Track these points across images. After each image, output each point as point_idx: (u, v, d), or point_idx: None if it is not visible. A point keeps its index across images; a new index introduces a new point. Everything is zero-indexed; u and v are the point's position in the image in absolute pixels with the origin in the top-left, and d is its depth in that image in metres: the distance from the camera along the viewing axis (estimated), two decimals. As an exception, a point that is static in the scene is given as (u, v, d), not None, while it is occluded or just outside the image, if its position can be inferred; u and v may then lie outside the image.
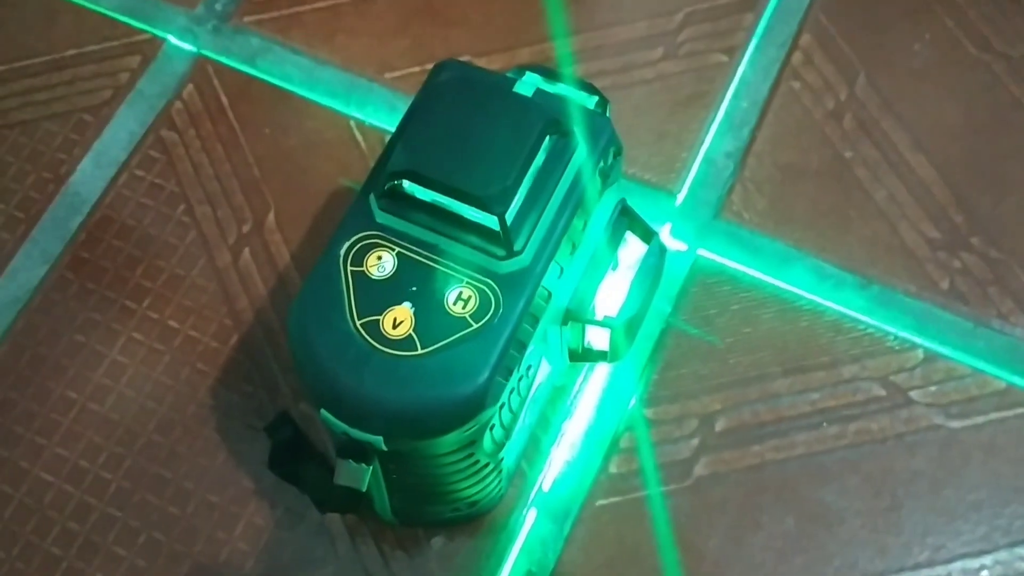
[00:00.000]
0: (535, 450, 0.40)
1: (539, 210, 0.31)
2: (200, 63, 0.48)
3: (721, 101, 0.46)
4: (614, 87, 0.46)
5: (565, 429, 0.40)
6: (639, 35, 0.47)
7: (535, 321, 0.31)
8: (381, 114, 0.47)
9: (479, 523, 0.39)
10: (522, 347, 0.31)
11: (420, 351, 0.30)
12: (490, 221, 0.30)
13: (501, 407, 0.32)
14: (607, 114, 0.35)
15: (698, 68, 0.47)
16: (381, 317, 0.30)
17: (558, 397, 0.40)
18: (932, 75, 0.45)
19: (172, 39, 0.49)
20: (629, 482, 0.39)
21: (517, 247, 0.30)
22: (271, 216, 0.45)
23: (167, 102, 0.47)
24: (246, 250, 0.44)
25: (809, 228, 0.43)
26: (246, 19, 0.49)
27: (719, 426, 0.40)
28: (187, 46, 0.49)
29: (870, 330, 0.41)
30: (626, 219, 0.35)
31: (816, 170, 0.44)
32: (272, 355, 0.42)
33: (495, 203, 0.30)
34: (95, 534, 0.39)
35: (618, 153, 0.34)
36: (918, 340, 0.41)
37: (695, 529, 0.38)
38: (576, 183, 0.32)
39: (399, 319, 0.30)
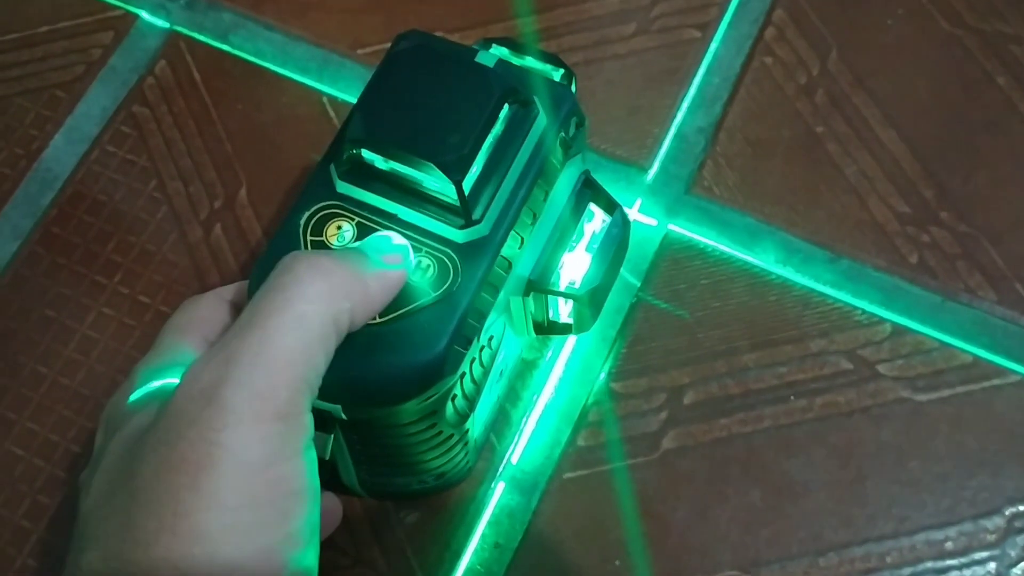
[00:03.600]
0: (504, 423, 0.40)
1: (498, 179, 0.31)
2: (173, 39, 0.48)
3: (693, 77, 0.46)
4: (587, 62, 0.46)
5: (535, 403, 0.40)
6: (612, 10, 0.47)
7: (494, 291, 0.31)
8: (353, 90, 0.47)
9: (447, 495, 0.39)
10: (481, 316, 0.31)
11: (378, 320, 0.30)
12: (448, 189, 0.30)
13: (462, 377, 0.32)
14: (572, 86, 0.35)
15: (671, 44, 0.46)
16: (340, 286, 0.30)
17: (527, 371, 0.41)
18: (904, 50, 0.45)
19: (145, 15, 0.49)
20: (597, 455, 0.39)
21: (476, 216, 0.30)
22: (243, 192, 0.45)
23: (139, 78, 0.47)
24: (217, 226, 0.44)
25: (779, 203, 0.43)
26: (219, -5, 0.49)
27: (687, 399, 0.40)
28: (160, 22, 0.49)
29: (838, 304, 0.41)
30: (589, 191, 0.35)
31: (787, 145, 0.44)
32: (242, 330, 0.42)
33: (452, 171, 0.29)
34: (66, 508, 0.39)
35: (580, 124, 0.34)
36: (886, 314, 0.41)
37: (662, 501, 0.38)
38: (537, 153, 0.32)
39: (358, 288, 0.30)
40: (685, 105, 0.45)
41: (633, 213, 0.43)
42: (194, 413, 0.25)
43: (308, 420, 0.27)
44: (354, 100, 0.46)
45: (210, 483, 0.24)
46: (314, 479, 0.27)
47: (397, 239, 0.30)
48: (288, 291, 0.27)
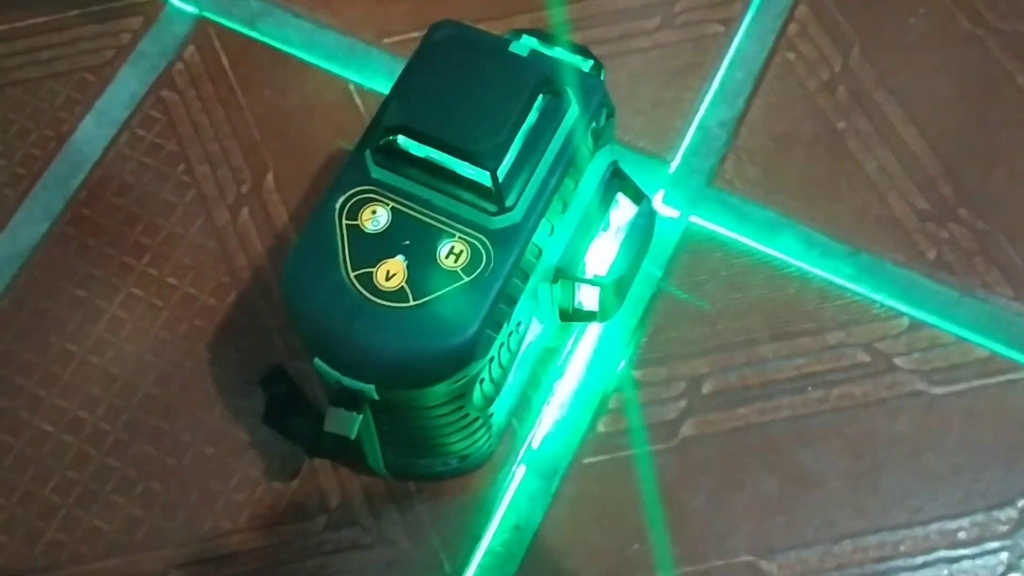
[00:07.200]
0: (526, 408, 0.41)
1: (531, 167, 0.31)
2: (201, 24, 0.49)
3: (716, 71, 0.46)
4: (611, 55, 0.47)
5: (556, 389, 0.41)
6: (637, 4, 0.48)
7: (525, 277, 0.32)
8: (380, 78, 0.47)
9: (469, 478, 0.39)
10: (512, 302, 0.32)
11: (412, 303, 0.30)
12: (482, 177, 0.31)
13: (491, 361, 0.33)
14: (602, 77, 0.35)
15: (694, 38, 0.47)
16: (374, 269, 0.31)
17: (549, 357, 0.41)
18: (925, 48, 0.46)
19: (174, 0, 0.49)
20: (616, 441, 0.40)
21: (508, 203, 0.31)
22: (269, 177, 0.45)
23: (168, 63, 0.48)
24: (244, 210, 0.45)
25: (799, 197, 0.44)
26: (248, -18, 0.50)
27: (706, 388, 0.41)
28: (189, 8, 0.49)
29: (856, 298, 0.42)
30: (617, 181, 0.35)
31: (808, 140, 0.45)
32: (268, 312, 0.43)
33: (487, 159, 0.30)
34: (93, 483, 0.40)
35: (610, 114, 0.34)
36: (903, 308, 0.41)
37: (679, 488, 0.39)
38: (568, 142, 0.32)
39: (392, 271, 0.31)
40: (708, 99, 0.46)
41: (655, 205, 0.44)
42: None
43: None
44: (380, 88, 0.47)
45: None
46: None
47: None
48: None
